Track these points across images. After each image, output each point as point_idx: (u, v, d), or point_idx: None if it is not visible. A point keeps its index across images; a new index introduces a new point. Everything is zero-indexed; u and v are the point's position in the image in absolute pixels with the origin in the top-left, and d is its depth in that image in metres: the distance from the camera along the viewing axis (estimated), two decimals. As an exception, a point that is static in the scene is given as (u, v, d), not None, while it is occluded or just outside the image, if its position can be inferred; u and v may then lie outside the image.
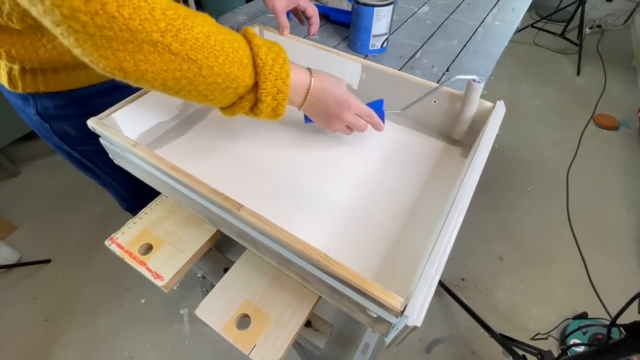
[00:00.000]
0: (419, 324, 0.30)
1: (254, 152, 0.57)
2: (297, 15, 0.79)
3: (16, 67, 0.50)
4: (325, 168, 0.56)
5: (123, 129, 0.51)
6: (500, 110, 0.52)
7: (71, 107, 0.58)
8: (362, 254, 0.45)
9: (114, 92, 0.59)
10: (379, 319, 0.35)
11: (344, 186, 0.53)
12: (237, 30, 0.64)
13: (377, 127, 0.56)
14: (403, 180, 0.54)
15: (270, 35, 0.68)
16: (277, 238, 0.36)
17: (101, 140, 0.51)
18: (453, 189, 0.50)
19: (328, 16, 0.98)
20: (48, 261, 1.37)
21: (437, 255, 0.34)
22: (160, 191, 0.53)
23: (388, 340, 0.37)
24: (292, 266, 0.40)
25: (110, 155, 0.54)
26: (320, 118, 0.52)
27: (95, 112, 0.51)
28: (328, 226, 0.48)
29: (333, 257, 0.34)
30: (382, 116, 0.56)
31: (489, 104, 0.54)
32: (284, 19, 0.68)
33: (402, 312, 0.31)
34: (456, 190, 0.42)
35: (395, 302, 0.31)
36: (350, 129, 0.54)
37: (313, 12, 0.73)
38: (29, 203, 1.56)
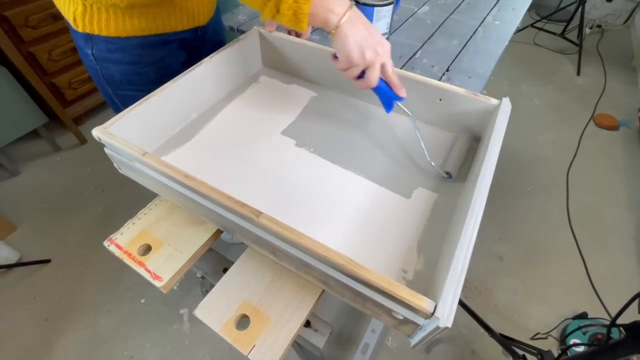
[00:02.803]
0: (449, 324, 0.30)
1: (260, 158, 0.57)
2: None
3: (79, 7, 0.60)
4: (335, 170, 0.56)
5: (126, 138, 0.51)
6: (506, 107, 0.52)
7: (119, 53, 0.66)
8: (380, 256, 0.45)
9: (157, 47, 0.68)
10: (405, 321, 0.35)
11: (355, 187, 0.53)
12: (237, 30, 0.65)
13: (396, 89, 0.54)
14: (414, 178, 0.55)
15: (269, 36, 0.68)
16: (298, 244, 0.36)
17: (106, 150, 0.51)
18: (465, 186, 0.50)
19: None
20: (48, 261, 1.37)
21: (461, 254, 0.34)
22: (169, 199, 0.53)
23: (414, 341, 0.37)
24: (313, 271, 0.40)
25: (115, 165, 0.54)
26: (357, 39, 0.50)
27: (138, 61, 0.68)
28: (343, 229, 0.48)
29: (356, 261, 0.34)
30: (388, 98, 0.54)
31: (494, 101, 0.54)
32: None
33: (432, 313, 0.31)
34: (471, 188, 0.42)
35: (425, 304, 0.31)
36: (362, 77, 0.52)
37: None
38: (29, 203, 1.56)
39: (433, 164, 0.55)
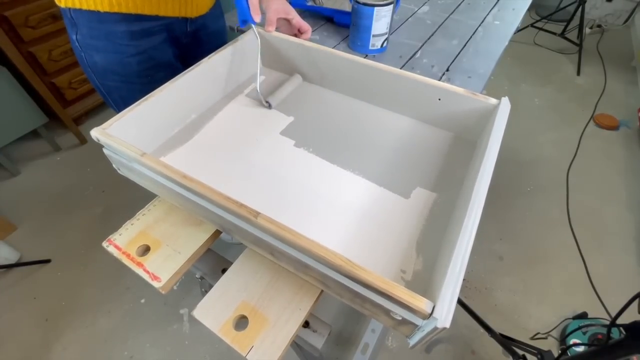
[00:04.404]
0: (447, 325, 0.30)
1: (259, 158, 0.57)
2: (292, 30, 0.78)
3: None
4: (334, 170, 0.56)
5: (124, 139, 0.51)
6: (505, 106, 0.51)
7: (102, 40, 0.66)
8: (379, 256, 0.45)
9: (141, 38, 0.68)
10: (404, 321, 0.35)
11: (354, 187, 0.53)
12: (237, 30, 0.65)
13: (251, 11, 0.60)
14: (413, 178, 0.54)
15: (268, 36, 0.68)
16: (296, 244, 0.36)
17: (104, 151, 0.51)
18: (464, 186, 0.50)
19: (332, 18, 0.97)
20: (48, 261, 1.37)
21: (460, 254, 0.34)
22: (168, 199, 0.53)
23: (413, 342, 0.37)
24: (312, 271, 0.40)
25: (114, 166, 0.54)
26: None
27: (121, 51, 0.67)
28: (342, 229, 0.48)
29: (354, 261, 0.34)
30: (243, 14, 0.61)
31: (493, 101, 0.54)
32: (271, 17, 0.69)
33: (431, 314, 0.31)
34: (470, 188, 0.42)
35: (423, 304, 0.31)
36: None
37: (307, 28, 0.75)
38: (29, 203, 1.56)
39: (258, 90, 0.64)
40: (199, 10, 0.75)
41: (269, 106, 0.65)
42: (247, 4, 0.59)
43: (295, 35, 0.76)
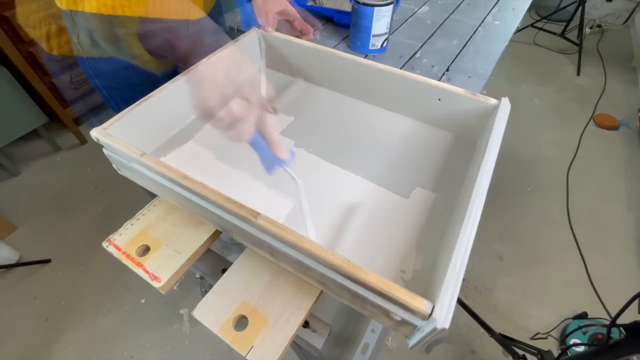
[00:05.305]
0: (447, 325, 0.30)
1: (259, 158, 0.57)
2: (294, 32, 0.79)
3: None
4: (334, 170, 0.56)
5: (124, 139, 0.51)
6: (505, 107, 0.51)
7: (103, 42, 0.64)
8: (379, 256, 0.45)
9: (145, 39, 0.66)
10: (403, 322, 0.35)
11: (354, 187, 0.53)
12: (237, 31, 0.65)
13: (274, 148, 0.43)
14: (413, 178, 0.54)
15: (268, 36, 0.68)
16: (296, 245, 0.36)
17: (104, 151, 0.51)
18: (464, 186, 0.50)
19: (332, 18, 0.97)
20: (48, 261, 1.37)
21: (460, 254, 0.34)
22: (168, 200, 0.53)
23: (412, 342, 0.37)
24: (312, 272, 0.40)
25: (114, 166, 0.54)
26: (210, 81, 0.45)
27: (122, 52, 0.65)
28: (341, 229, 0.48)
29: (354, 262, 0.34)
30: (266, 157, 0.46)
31: (493, 101, 0.54)
32: (271, 18, 0.69)
33: (430, 315, 0.31)
34: (470, 187, 0.42)
35: (423, 305, 0.31)
36: (229, 125, 0.42)
37: (308, 30, 0.76)
38: (29, 203, 1.56)
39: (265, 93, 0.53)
40: (200, 12, 0.75)
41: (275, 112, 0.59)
42: (252, 9, 0.57)
43: (297, 37, 0.77)
